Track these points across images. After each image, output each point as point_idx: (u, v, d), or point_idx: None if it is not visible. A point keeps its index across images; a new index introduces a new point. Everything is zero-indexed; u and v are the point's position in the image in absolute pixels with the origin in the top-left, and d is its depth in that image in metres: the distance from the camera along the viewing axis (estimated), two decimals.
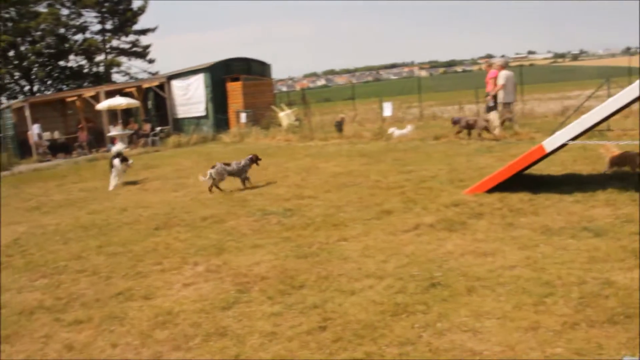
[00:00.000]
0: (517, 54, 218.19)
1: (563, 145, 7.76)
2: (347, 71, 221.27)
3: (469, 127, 14.87)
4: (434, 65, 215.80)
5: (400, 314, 4.32)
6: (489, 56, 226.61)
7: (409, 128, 16.50)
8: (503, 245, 5.64)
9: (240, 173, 10.70)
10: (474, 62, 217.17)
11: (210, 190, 10.53)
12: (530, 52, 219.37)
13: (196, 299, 5.13)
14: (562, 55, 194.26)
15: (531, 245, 5.57)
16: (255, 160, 10.85)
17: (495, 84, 15.47)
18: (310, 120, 21.66)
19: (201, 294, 5.25)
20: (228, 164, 10.69)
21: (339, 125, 19.11)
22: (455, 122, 15.30)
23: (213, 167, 10.66)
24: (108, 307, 5.22)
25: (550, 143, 7.61)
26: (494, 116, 14.77)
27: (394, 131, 16.48)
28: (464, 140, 14.52)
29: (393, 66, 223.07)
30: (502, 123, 14.84)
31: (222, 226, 7.77)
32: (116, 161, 12.82)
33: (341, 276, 5.27)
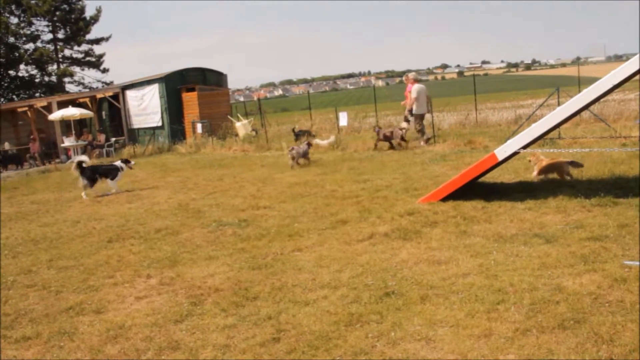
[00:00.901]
0: (471, 63, 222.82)
1: (515, 154, 7.90)
2: (305, 81, 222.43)
3: (387, 138, 15.43)
4: (390, 75, 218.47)
5: (354, 324, 4.30)
6: (444, 66, 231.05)
7: (331, 138, 17.21)
8: (457, 253, 5.69)
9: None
10: (429, 71, 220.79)
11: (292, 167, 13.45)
12: (484, 62, 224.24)
13: (149, 313, 5.02)
14: (516, 65, 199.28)
15: (484, 252, 5.64)
16: None
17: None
18: (267, 131, 21.63)
19: (154, 307, 5.14)
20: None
21: (298, 136, 19.17)
22: (377, 132, 15.88)
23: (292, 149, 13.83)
24: (58, 323, 5.06)
25: (502, 151, 7.74)
26: (409, 126, 15.81)
27: (317, 142, 17.18)
28: (385, 150, 15.15)
29: (350, 76, 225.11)
30: (419, 132, 15.86)
31: (177, 238, 7.66)
32: (118, 163, 13.04)
33: (295, 287, 5.24)
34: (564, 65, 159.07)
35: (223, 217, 8.57)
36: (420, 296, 4.68)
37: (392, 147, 15.36)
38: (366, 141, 16.69)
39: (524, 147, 7.84)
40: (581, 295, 4.36)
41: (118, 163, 13.09)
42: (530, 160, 9.25)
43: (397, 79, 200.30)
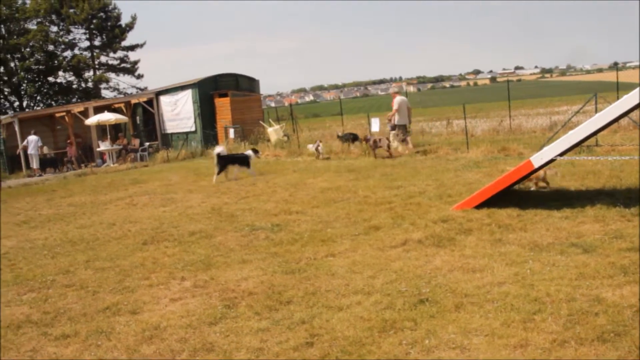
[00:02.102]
0: (504, 69, 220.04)
1: (551, 161, 7.78)
2: (336, 87, 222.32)
3: (376, 145, 16.09)
4: (421, 80, 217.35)
5: (388, 331, 4.27)
6: (477, 72, 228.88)
7: (318, 143, 17.71)
8: (491, 262, 5.62)
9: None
10: (462, 77, 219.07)
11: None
12: (517, 68, 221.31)
13: (183, 314, 5.07)
14: (550, 71, 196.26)
15: (520, 261, 5.55)
16: None
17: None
18: (299, 136, 21.67)
19: (188, 309, 5.18)
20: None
21: (344, 139, 19.08)
22: (367, 140, 16.68)
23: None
24: (95, 322, 5.14)
25: (538, 158, 7.62)
26: (392, 136, 16.90)
27: (309, 146, 18.33)
28: (370, 157, 16.09)
29: (381, 82, 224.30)
30: (402, 142, 16.67)
31: (210, 241, 7.71)
32: (249, 152, 15.07)
33: (329, 292, 5.23)
34: (600, 70, 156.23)
35: (256, 222, 8.61)
36: (455, 304, 4.63)
37: (374, 154, 16.13)
38: (398, 147, 16.58)
39: (561, 155, 7.71)
40: (621, 308, 4.25)
41: (249, 152, 15.10)
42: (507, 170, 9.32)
43: (429, 85, 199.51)
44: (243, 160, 14.66)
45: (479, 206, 7.82)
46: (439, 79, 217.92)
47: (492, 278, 5.15)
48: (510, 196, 8.34)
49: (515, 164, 9.99)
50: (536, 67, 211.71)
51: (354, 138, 18.52)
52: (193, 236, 8.11)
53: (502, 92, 24.67)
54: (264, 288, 5.50)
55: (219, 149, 14.90)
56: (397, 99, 17.00)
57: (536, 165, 7.62)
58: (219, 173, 14.24)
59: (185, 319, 4.94)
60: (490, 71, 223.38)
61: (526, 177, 8.29)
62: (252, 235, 7.79)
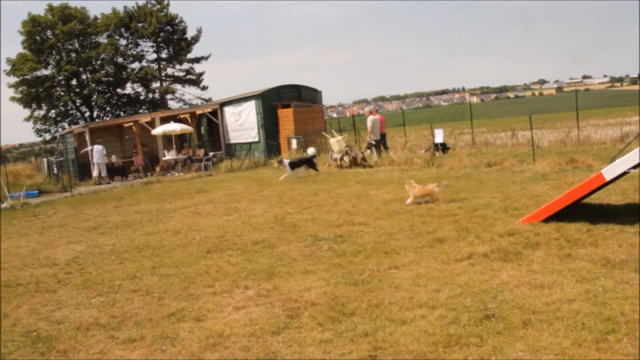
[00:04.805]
0: (571, 78, 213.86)
1: (624, 174, 7.49)
2: (398, 97, 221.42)
3: (355, 159, 18.70)
4: (485, 91, 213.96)
5: (453, 346, 4.20)
6: (542, 81, 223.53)
7: (311, 150, 18.85)
8: (561, 278, 5.44)
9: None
10: (526, 87, 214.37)
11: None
12: (585, 77, 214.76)
13: (246, 323, 5.12)
14: (620, 80, 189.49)
15: (591, 278, 5.35)
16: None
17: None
18: (361, 147, 21.64)
19: (251, 318, 5.23)
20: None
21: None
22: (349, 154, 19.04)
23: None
24: (160, 327, 5.26)
25: (609, 171, 7.35)
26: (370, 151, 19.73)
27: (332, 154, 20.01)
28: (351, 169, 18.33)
29: (444, 92, 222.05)
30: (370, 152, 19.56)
31: (273, 251, 7.78)
32: (311, 152, 18.33)
33: (392, 305, 5.17)
34: None
35: (319, 232, 8.63)
36: (523, 321, 4.50)
37: (357, 164, 18.56)
38: (462, 159, 16.37)
39: (635, 167, 7.41)
40: None
41: (311, 152, 18.25)
42: (406, 188, 10.51)
43: (493, 95, 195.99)
44: (308, 162, 17.54)
45: (547, 220, 7.61)
46: (502, 89, 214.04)
47: (561, 295, 4.99)
48: (580, 210, 8.07)
49: (584, 176, 9.71)
50: (605, 75, 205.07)
51: (307, 162, 18.34)
52: (256, 245, 8.20)
53: (569, 102, 24.04)
54: (327, 299, 5.50)
55: (310, 150, 18.55)
56: (370, 118, 20.26)
57: (608, 179, 7.35)
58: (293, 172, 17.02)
59: (248, 328, 4.99)
60: (557, 81, 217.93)
61: (597, 190, 8.03)
62: (315, 246, 7.81)
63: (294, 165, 17.18)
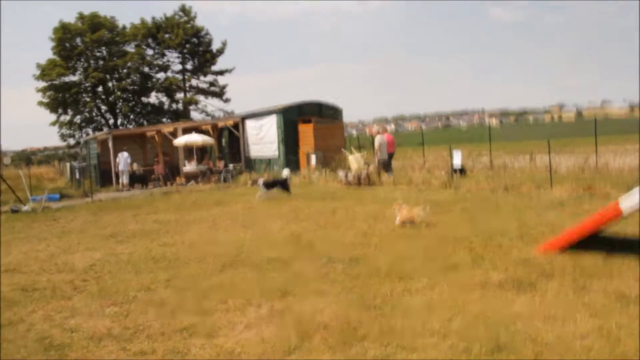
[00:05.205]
0: (590, 102, 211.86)
1: None
2: (417, 117, 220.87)
3: (358, 179, 18.82)
4: (504, 113, 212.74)
5: None
6: (561, 105, 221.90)
7: (286, 172, 18.42)
8: (574, 311, 5.36)
9: None
10: (545, 111, 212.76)
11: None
12: (604, 102, 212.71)
13: (258, 342, 5.10)
14: None
15: (605, 312, 5.27)
16: None
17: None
18: (380, 165, 21.58)
19: (263, 337, 5.21)
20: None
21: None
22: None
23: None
24: (172, 342, 5.26)
25: (626, 200, 7.22)
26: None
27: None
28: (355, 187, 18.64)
29: (463, 113, 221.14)
30: (386, 172, 19.63)
31: (288, 269, 7.76)
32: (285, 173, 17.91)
33: (404, 331, 5.12)
34: None
35: (334, 252, 8.57)
36: (535, 353, 4.45)
37: (359, 183, 18.79)
38: (480, 181, 16.26)
39: None
40: None
41: (285, 173, 17.90)
42: (394, 209, 10.77)
43: (512, 118, 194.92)
44: (282, 183, 17.31)
45: (563, 249, 7.52)
46: (522, 112, 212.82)
47: (574, 328, 4.92)
48: (596, 239, 7.96)
49: (601, 204, 9.59)
50: (624, 100, 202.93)
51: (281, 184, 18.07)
52: (271, 263, 8.18)
53: (588, 127, 23.75)
54: (339, 322, 5.46)
55: (285, 171, 18.09)
56: (378, 137, 20.33)
57: (623, 210, 7.24)
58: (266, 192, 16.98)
59: (259, 347, 4.98)
60: (576, 105, 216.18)
61: (614, 221, 7.91)
62: (330, 267, 7.77)
63: (268, 185, 17.28)
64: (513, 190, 14.79)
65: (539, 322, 5.14)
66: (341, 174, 20.07)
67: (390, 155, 20.92)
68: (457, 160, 19.44)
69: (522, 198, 13.42)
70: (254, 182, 19.08)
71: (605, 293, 5.86)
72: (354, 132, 67.69)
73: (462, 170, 19.33)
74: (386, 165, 20.22)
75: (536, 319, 5.22)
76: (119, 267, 8.58)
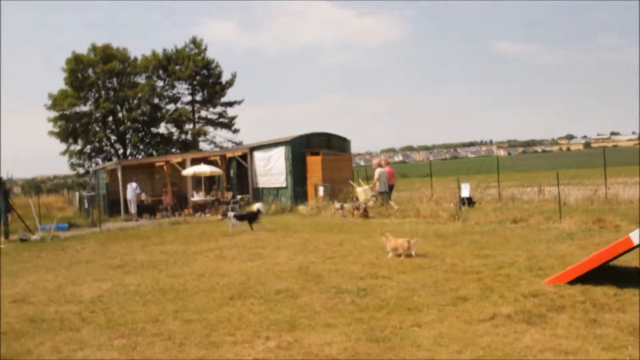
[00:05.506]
0: (599, 134, 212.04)
1: None
2: (425, 148, 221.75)
3: (358, 209, 19.21)
4: (512, 144, 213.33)
5: None
6: (570, 136, 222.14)
7: (257, 205, 18.90)
8: (586, 344, 5.29)
9: None
10: (554, 142, 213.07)
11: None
12: (613, 133, 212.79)
13: None
14: None
15: (617, 346, 5.20)
16: None
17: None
18: (390, 197, 21.58)
19: None
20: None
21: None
22: (357, 208, 19.44)
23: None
24: None
25: (637, 235, 7.17)
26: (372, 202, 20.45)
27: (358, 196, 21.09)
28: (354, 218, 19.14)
29: (471, 144, 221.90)
30: (381, 205, 19.90)
31: (296, 301, 7.71)
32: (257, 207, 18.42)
33: None
34: None
35: (342, 284, 8.54)
36: None
37: (362, 215, 18.96)
38: (488, 213, 16.21)
39: None
40: None
41: (256, 207, 18.33)
42: (383, 241, 11.14)
43: (520, 149, 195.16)
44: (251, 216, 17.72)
45: (573, 282, 7.46)
46: (530, 143, 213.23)
47: None
48: (606, 272, 7.90)
49: (611, 237, 9.53)
50: (633, 132, 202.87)
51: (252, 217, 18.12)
52: (279, 295, 8.13)
53: (597, 159, 23.72)
54: (347, 355, 5.41)
55: (258, 204, 18.86)
56: (377, 170, 20.72)
57: (635, 242, 7.19)
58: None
59: None
60: (585, 136, 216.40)
61: (624, 253, 7.86)
62: (338, 298, 7.71)
63: (239, 217, 17.65)
64: (522, 222, 14.73)
65: (550, 356, 5.08)
66: (337, 205, 20.90)
67: (391, 187, 21.34)
68: (466, 192, 19.43)
69: (531, 230, 13.36)
70: (224, 215, 19.05)
71: (618, 326, 5.79)
72: (362, 163, 67.86)
73: (470, 202, 19.33)
74: (385, 197, 20.59)
75: (547, 352, 5.16)
76: (126, 298, 8.55)
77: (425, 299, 7.38)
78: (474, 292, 7.55)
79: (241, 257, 11.89)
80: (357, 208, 19.37)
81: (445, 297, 7.42)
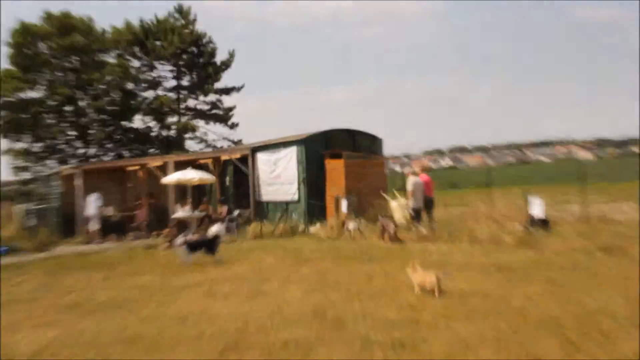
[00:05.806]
0: None
1: None
2: (482, 149, 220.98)
3: (384, 230, 19.28)
4: (601, 144, 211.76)
5: None
6: None
7: (215, 228, 18.15)
8: None
9: None
10: None
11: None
12: None
13: None
14: None
15: None
16: None
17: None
18: (432, 215, 21.40)
19: None
20: None
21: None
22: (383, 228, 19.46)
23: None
24: None
25: None
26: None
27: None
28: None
29: (543, 144, 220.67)
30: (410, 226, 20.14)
31: (310, 356, 7.59)
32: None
33: None
34: None
35: (371, 334, 8.39)
36: None
37: (393, 239, 18.86)
38: (569, 239, 15.99)
39: None
40: None
41: (214, 230, 17.75)
42: (408, 272, 11.28)
43: (612, 150, 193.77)
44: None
45: None
46: (626, 142, 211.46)
47: None
48: None
49: None
50: None
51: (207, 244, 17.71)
52: (287, 347, 8.02)
53: None
54: None
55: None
56: (411, 179, 20.82)
57: None
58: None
59: None
60: None
61: None
62: (366, 354, 7.59)
63: (192, 247, 16.77)
64: (617, 251, 14.51)
65: None
66: (350, 225, 21.25)
67: (430, 202, 21.39)
68: (537, 209, 19.18)
69: (630, 263, 13.13)
70: (170, 243, 19.02)
71: None
72: (398, 169, 67.83)
73: (544, 223, 19.05)
74: (419, 215, 20.72)
75: None
76: (80, 350, 8.45)
77: (484, 356, 7.24)
78: (553, 350, 7.39)
79: (238, 294, 11.79)
80: (385, 229, 19.31)
81: (511, 355, 7.28)
